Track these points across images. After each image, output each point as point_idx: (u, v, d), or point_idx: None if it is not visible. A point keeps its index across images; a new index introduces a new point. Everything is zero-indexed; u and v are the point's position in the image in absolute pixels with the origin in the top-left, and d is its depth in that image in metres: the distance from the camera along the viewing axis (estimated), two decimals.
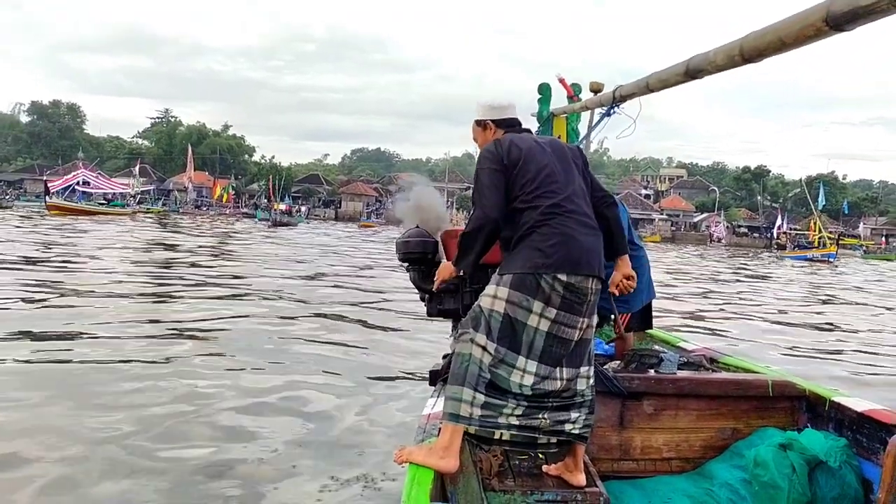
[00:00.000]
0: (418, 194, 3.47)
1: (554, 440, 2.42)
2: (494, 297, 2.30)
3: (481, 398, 2.25)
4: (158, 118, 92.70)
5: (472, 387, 2.25)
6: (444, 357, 3.12)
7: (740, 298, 15.38)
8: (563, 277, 2.25)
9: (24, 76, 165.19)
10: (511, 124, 2.62)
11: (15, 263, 13.06)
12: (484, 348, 2.27)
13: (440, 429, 2.33)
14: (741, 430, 3.02)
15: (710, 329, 10.11)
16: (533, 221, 2.31)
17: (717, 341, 8.46)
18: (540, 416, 2.31)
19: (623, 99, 3.67)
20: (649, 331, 4.04)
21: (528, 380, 2.27)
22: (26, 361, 5.78)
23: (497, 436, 2.39)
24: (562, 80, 4.89)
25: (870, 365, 8.11)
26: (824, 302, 16.11)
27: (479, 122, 2.66)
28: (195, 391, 5.28)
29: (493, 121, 2.62)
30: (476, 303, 2.38)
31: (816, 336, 10.33)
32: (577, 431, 2.35)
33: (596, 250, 2.35)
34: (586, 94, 4.39)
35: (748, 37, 2.23)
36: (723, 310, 12.90)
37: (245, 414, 4.74)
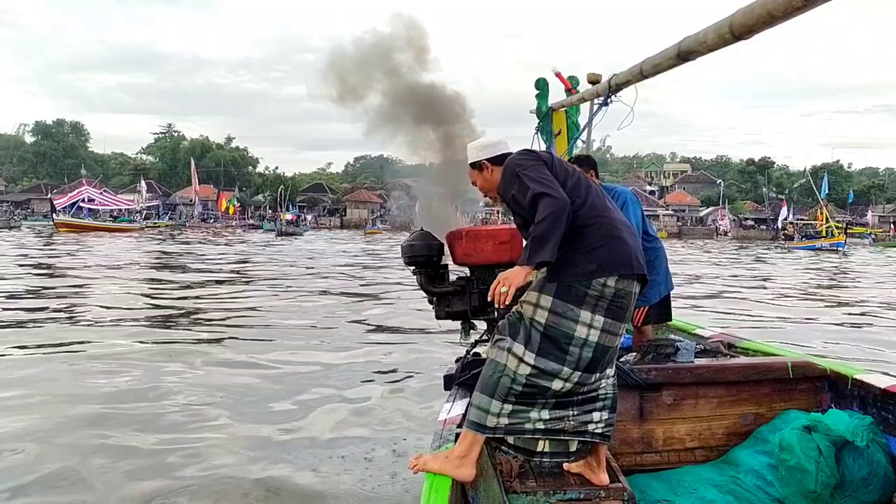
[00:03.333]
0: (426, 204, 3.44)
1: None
2: (537, 305, 2.22)
3: (509, 408, 2.21)
4: (162, 133, 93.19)
5: (502, 399, 2.20)
6: (457, 361, 3.08)
7: (752, 287, 15.29)
8: (613, 282, 2.18)
9: (26, 96, 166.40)
10: (506, 158, 2.52)
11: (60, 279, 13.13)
12: (521, 359, 2.20)
13: (457, 434, 2.30)
14: (764, 414, 2.99)
15: (727, 316, 10.05)
16: (579, 221, 2.23)
17: (735, 327, 8.39)
18: (566, 416, 2.26)
19: (619, 87, 3.66)
20: None
21: (568, 386, 2.22)
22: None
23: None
24: (558, 74, 4.89)
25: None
26: (838, 287, 15.99)
27: (474, 165, 2.55)
28: (209, 391, 5.33)
29: (488, 160, 2.52)
30: (516, 308, 2.29)
31: (833, 320, 10.25)
32: (599, 431, 2.32)
33: (639, 248, 2.31)
34: (584, 87, 4.38)
35: (737, 14, 2.21)
36: (736, 297, 12.83)
37: (249, 422, 4.71)
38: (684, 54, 2.70)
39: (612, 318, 2.20)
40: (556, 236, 2.11)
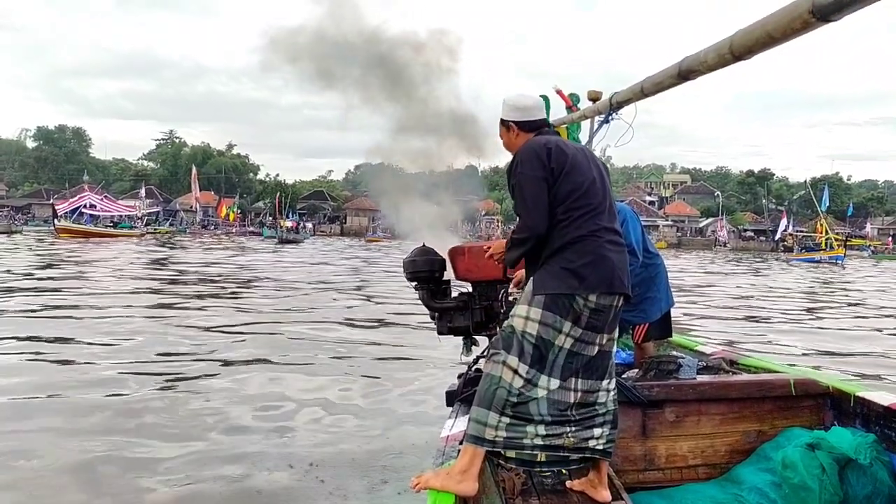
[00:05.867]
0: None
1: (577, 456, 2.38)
2: (527, 318, 2.26)
3: (506, 421, 2.23)
4: (163, 140, 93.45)
5: (499, 411, 2.23)
6: (460, 377, 3.10)
7: (750, 300, 15.29)
8: (594, 298, 2.24)
9: (28, 102, 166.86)
10: (537, 126, 2.49)
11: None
12: (515, 371, 2.24)
13: (459, 451, 2.31)
14: (766, 431, 2.99)
15: (729, 332, 10.05)
16: (568, 237, 2.27)
17: (736, 342, 8.40)
18: (564, 432, 2.28)
19: (619, 105, 3.71)
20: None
21: (550, 395, 2.25)
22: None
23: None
24: (559, 92, 4.93)
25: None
26: (842, 302, 16.00)
27: (503, 122, 2.53)
28: (211, 406, 5.31)
29: (515, 122, 2.49)
30: (508, 323, 2.34)
31: (835, 335, 10.26)
32: (601, 447, 2.33)
33: (624, 267, 2.33)
34: (585, 104, 4.42)
35: (737, 34, 2.25)
36: (736, 310, 12.84)
37: (248, 439, 4.67)
38: (685, 73, 2.75)
39: (589, 329, 2.26)
40: (522, 253, 2.40)
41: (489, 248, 2.69)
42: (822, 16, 1.82)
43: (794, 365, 3.99)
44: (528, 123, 2.49)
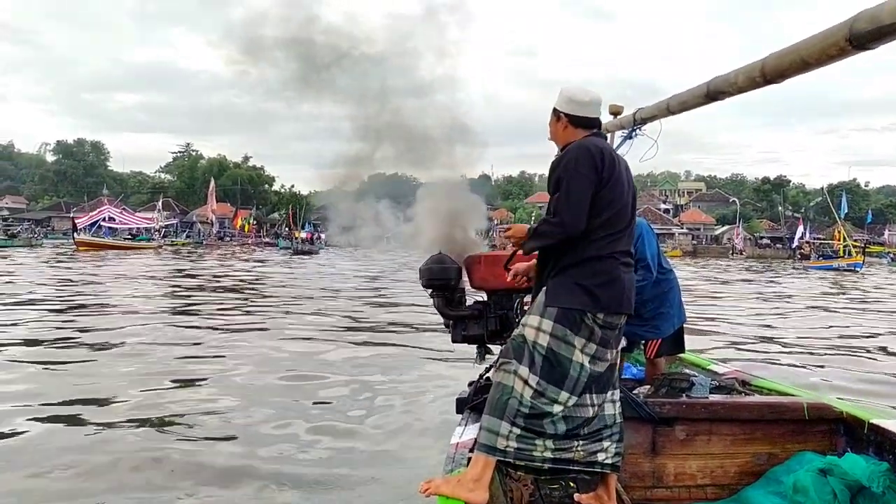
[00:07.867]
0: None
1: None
2: (538, 329, 2.31)
3: (518, 431, 2.26)
4: (180, 152, 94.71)
5: (511, 420, 2.26)
6: (470, 384, 3.12)
7: (771, 314, 15.12)
8: (602, 316, 2.29)
9: (47, 116, 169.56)
10: (589, 124, 2.45)
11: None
12: (526, 382, 2.27)
13: (469, 458, 2.33)
14: (777, 455, 2.97)
15: (742, 349, 9.95)
16: (588, 254, 2.30)
17: (750, 361, 8.30)
18: (574, 446, 2.31)
19: (644, 121, 3.69)
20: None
21: (567, 412, 2.29)
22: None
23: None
24: None
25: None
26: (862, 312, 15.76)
27: (555, 111, 2.48)
28: (215, 416, 5.36)
29: (566, 115, 2.44)
30: (518, 332, 2.37)
31: (851, 351, 10.11)
32: (609, 461, 2.35)
33: (632, 287, 2.39)
34: (605, 117, 4.40)
35: (769, 57, 2.23)
36: (757, 324, 12.71)
37: (253, 449, 4.67)
38: (713, 94, 2.73)
39: (601, 345, 2.32)
40: (544, 245, 2.36)
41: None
42: (860, 44, 1.79)
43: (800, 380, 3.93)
44: (581, 119, 2.43)
